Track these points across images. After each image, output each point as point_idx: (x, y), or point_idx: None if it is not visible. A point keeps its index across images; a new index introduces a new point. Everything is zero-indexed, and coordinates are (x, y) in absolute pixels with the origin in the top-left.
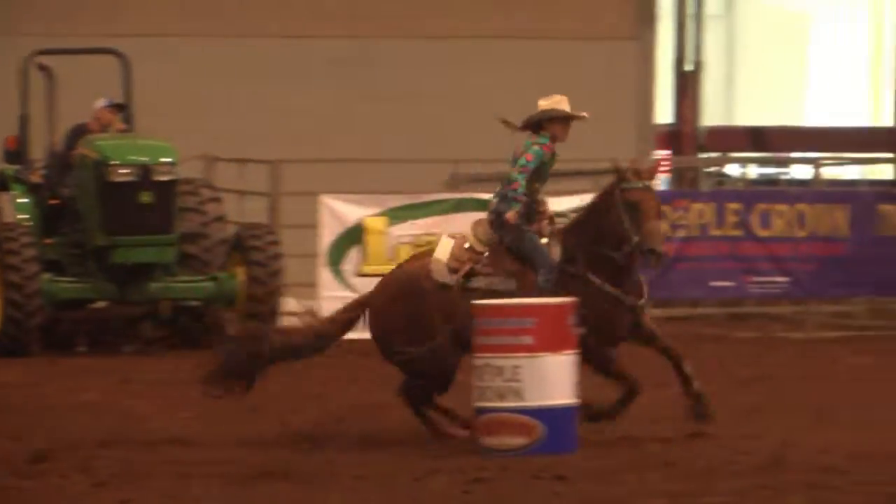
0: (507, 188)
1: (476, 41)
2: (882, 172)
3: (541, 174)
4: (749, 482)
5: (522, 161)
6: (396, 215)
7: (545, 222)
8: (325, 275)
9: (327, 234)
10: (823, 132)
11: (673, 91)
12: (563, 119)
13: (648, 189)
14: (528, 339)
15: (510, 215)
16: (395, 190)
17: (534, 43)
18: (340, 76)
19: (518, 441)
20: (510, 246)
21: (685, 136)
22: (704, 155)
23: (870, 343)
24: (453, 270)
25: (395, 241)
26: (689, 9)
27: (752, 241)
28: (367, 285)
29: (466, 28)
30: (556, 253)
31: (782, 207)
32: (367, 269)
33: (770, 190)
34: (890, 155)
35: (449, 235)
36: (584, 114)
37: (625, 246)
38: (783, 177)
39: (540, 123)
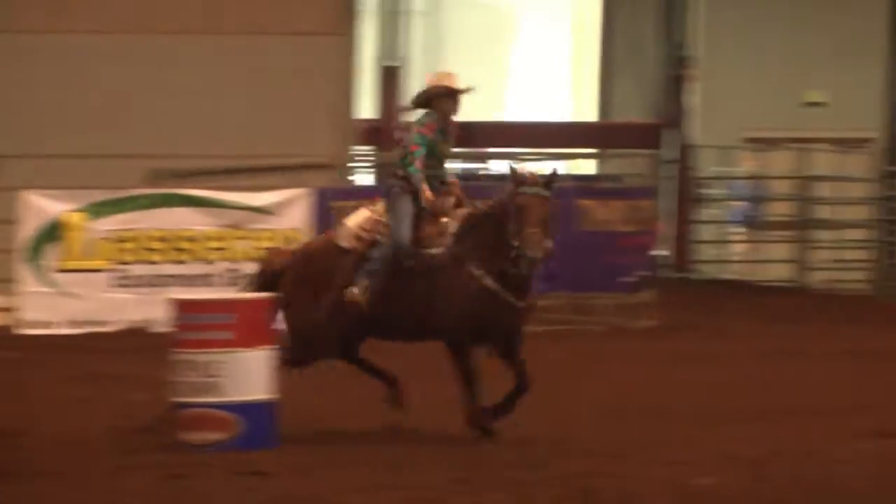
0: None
1: (178, 37)
2: (583, 167)
3: (434, 151)
4: (446, 476)
5: (410, 152)
6: (97, 210)
7: (451, 199)
8: (24, 270)
9: (27, 230)
10: (525, 127)
11: (377, 87)
12: (449, 94)
13: (537, 195)
14: (227, 335)
15: (427, 196)
16: (97, 185)
17: (237, 38)
18: (48, 72)
19: (217, 436)
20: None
21: (387, 131)
22: None
23: (568, 338)
24: (358, 238)
25: (95, 236)
26: (394, 5)
27: None
28: (69, 281)
29: (169, 23)
30: (448, 238)
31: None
32: (67, 264)
33: (472, 185)
34: (591, 150)
35: (368, 207)
36: (469, 87)
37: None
38: (485, 172)
39: (429, 101)
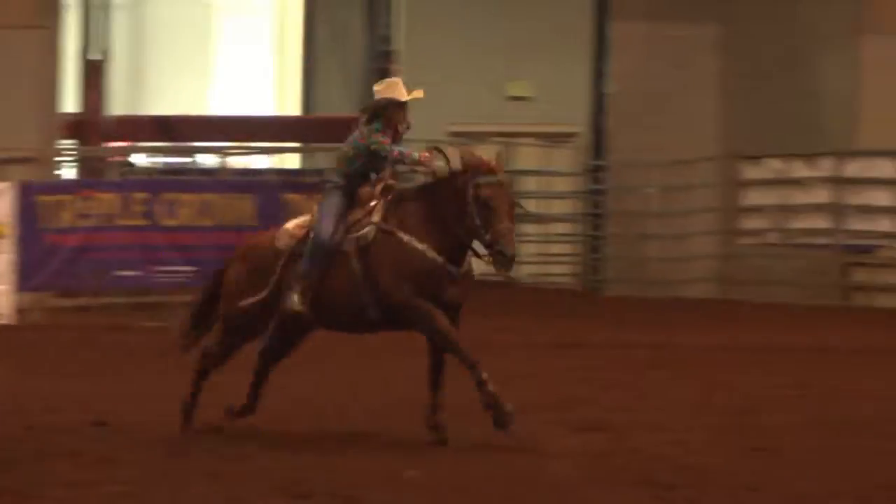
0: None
1: None
2: (288, 161)
3: (375, 161)
4: (145, 471)
5: (381, 147)
6: None
7: (379, 186)
8: None
9: None
10: (230, 122)
11: (79, 80)
12: (397, 105)
13: (502, 185)
14: None
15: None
16: None
17: None
18: None
19: None
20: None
21: (91, 125)
22: (111, 144)
23: None
24: (292, 237)
25: None
26: None
27: (157, 231)
28: None
29: None
30: (378, 213)
31: (189, 197)
32: None
33: (176, 179)
34: (295, 144)
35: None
36: (418, 94)
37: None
38: (191, 167)
39: (377, 111)
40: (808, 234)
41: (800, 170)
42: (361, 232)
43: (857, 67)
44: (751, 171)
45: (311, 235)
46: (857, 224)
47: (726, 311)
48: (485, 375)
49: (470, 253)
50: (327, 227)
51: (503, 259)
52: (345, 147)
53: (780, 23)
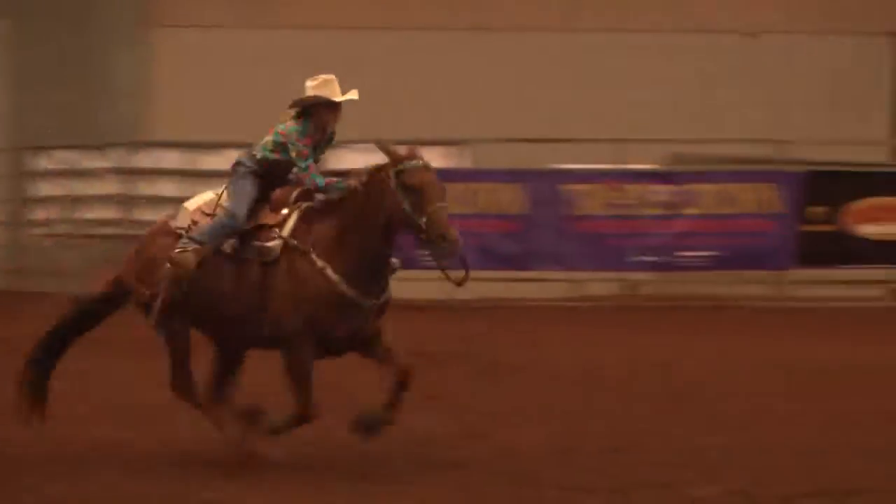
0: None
1: None
2: None
3: (289, 165)
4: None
5: (302, 157)
6: None
7: (293, 193)
8: None
9: None
10: None
11: None
12: (329, 104)
13: (429, 168)
14: None
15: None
16: None
17: None
18: None
19: None
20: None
21: None
22: None
23: None
24: (195, 222)
25: None
26: None
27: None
28: None
29: None
30: (289, 227)
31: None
32: None
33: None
34: None
35: (212, 191)
36: (353, 96)
37: (397, 234)
38: None
39: (307, 109)
40: (98, 225)
41: (90, 161)
42: (267, 244)
43: (147, 61)
44: (40, 163)
45: (219, 214)
46: (146, 214)
47: (16, 303)
48: (288, 431)
49: (389, 277)
50: (241, 210)
51: (446, 243)
52: (267, 136)
53: (72, 18)
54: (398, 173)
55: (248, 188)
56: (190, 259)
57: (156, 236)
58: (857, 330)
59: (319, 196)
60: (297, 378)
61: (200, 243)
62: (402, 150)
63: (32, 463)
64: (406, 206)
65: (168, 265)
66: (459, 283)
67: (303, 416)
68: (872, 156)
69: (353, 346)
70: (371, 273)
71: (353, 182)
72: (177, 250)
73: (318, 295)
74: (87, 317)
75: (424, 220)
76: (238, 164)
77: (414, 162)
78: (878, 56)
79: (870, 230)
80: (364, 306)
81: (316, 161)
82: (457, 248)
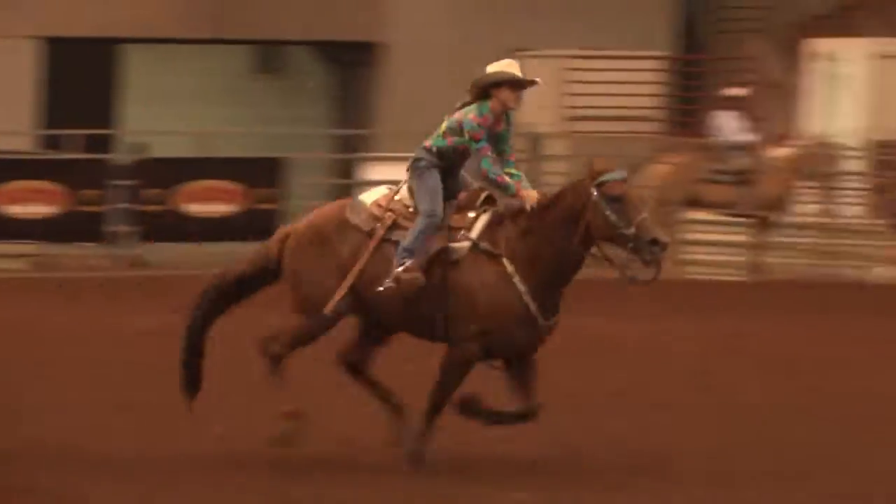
0: (447, 154)
1: None
2: None
3: (462, 153)
4: None
5: (474, 141)
6: None
7: (482, 195)
8: None
9: None
10: None
11: None
12: (512, 84)
13: (626, 179)
14: None
15: (525, 196)
16: None
17: None
18: None
19: None
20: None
21: None
22: None
23: None
24: (375, 217)
25: None
26: None
27: None
28: None
29: None
30: (477, 229)
31: None
32: None
33: None
34: None
35: (386, 187)
36: (537, 80)
37: (609, 243)
38: None
39: (486, 90)
40: None
41: None
42: (453, 244)
43: None
44: None
45: (419, 216)
46: None
47: None
48: (429, 432)
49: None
50: (436, 207)
51: (656, 248)
52: (441, 128)
53: None
54: (599, 185)
55: (434, 182)
56: (419, 280)
57: (331, 227)
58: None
59: (508, 201)
60: (447, 376)
61: (412, 252)
62: (598, 163)
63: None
64: (612, 217)
65: (393, 283)
66: (649, 282)
67: (431, 420)
68: (19, 144)
69: (512, 355)
70: (553, 289)
71: (525, 194)
72: (400, 269)
73: (502, 302)
74: (229, 294)
75: (632, 230)
76: (416, 160)
77: (614, 174)
78: (24, 58)
79: (17, 210)
80: (540, 323)
81: (500, 152)
82: (665, 251)
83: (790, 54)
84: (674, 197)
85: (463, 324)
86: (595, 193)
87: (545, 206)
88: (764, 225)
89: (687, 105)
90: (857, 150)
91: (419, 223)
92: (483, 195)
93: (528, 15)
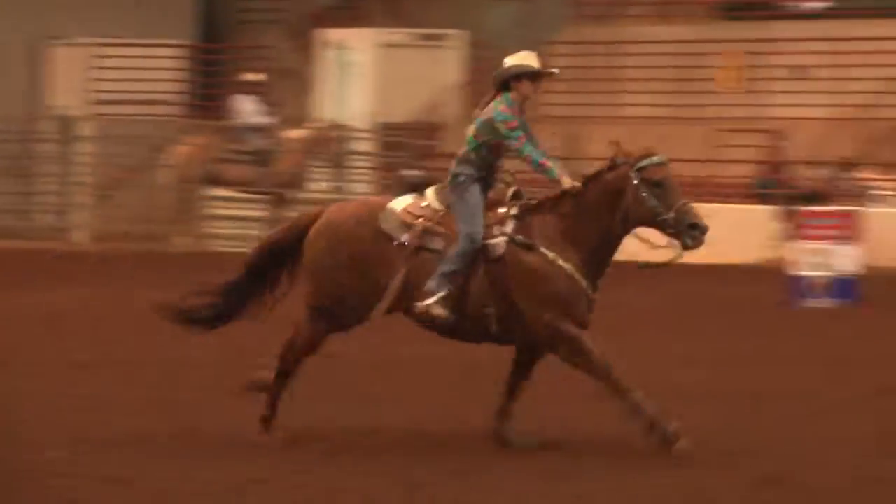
0: (483, 155)
1: None
2: None
3: (499, 149)
4: None
5: (509, 130)
6: None
7: (510, 191)
8: None
9: None
10: None
11: None
12: (532, 76)
13: (666, 164)
14: None
15: (566, 182)
16: None
17: None
18: None
19: None
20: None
21: None
22: None
23: None
24: (406, 225)
25: None
26: None
27: None
28: None
29: None
30: (510, 224)
31: None
32: None
33: None
34: None
35: (411, 195)
36: (555, 70)
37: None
38: None
39: (506, 82)
40: None
41: None
42: (490, 241)
43: None
44: None
45: (461, 236)
46: None
47: None
48: (638, 398)
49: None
50: (477, 228)
51: (695, 232)
52: (468, 130)
53: None
54: (640, 170)
55: (476, 199)
56: (444, 315)
57: (356, 231)
58: None
59: (532, 194)
60: (588, 364)
61: (453, 279)
62: (638, 149)
63: None
64: (652, 202)
65: (424, 313)
66: (669, 263)
67: (625, 393)
68: None
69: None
70: (595, 268)
71: (567, 179)
72: (430, 302)
73: (560, 286)
74: (267, 261)
75: (672, 214)
76: (455, 175)
77: (655, 158)
78: None
79: None
80: (591, 298)
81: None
82: (706, 234)
83: (304, 43)
84: (194, 175)
85: (537, 318)
86: (635, 178)
87: (582, 191)
88: (280, 201)
89: (207, 90)
90: (366, 133)
91: (461, 245)
92: (511, 190)
93: (56, 7)
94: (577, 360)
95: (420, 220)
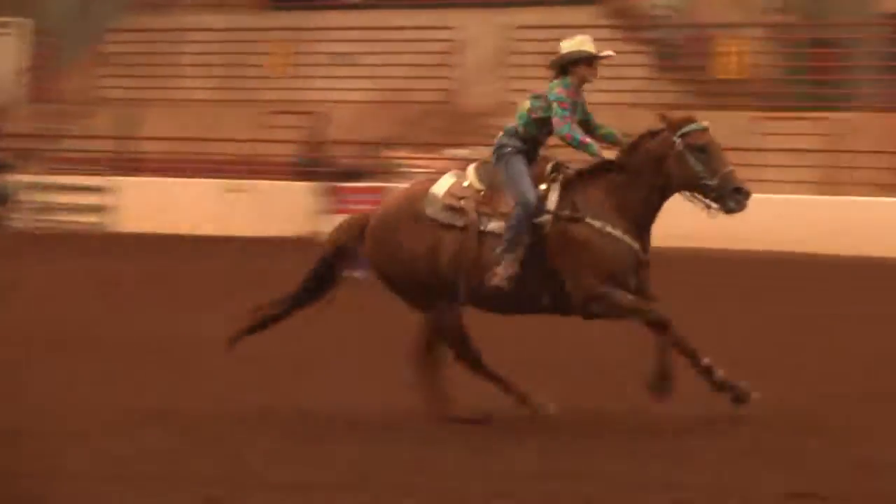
0: (531, 130)
1: None
2: None
3: (547, 125)
4: None
5: (558, 98)
6: None
7: (548, 165)
8: None
9: None
10: None
11: None
12: (589, 59)
13: (708, 130)
14: None
15: (607, 154)
16: None
17: None
18: None
19: None
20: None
21: None
22: None
23: None
24: (450, 208)
25: None
26: None
27: None
28: None
29: None
30: (553, 200)
31: None
32: None
33: None
34: None
35: (454, 172)
36: (610, 52)
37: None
38: None
39: (565, 67)
40: None
41: None
42: (537, 219)
43: None
44: None
45: (515, 205)
46: None
47: None
48: (694, 348)
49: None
50: (529, 193)
51: (740, 196)
52: (522, 108)
53: None
54: (684, 135)
55: (522, 167)
56: (507, 284)
57: (401, 223)
58: None
59: (572, 166)
60: (625, 312)
61: (514, 247)
62: (679, 115)
63: None
64: (697, 167)
65: (503, 283)
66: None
67: (660, 324)
68: None
69: (633, 291)
70: (642, 230)
71: (608, 153)
72: (496, 272)
73: (611, 254)
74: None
75: (716, 179)
76: (500, 147)
77: (697, 124)
78: None
79: None
80: (644, 259)
81: (585, 120)
82: (749, 197)
83: None
84: None
85: (580, 286)
86: (679, 144)
87: (624, 160)
88: None
89: None
90: None
91: (516, 213)
92: (550, 164)
93: None
94: (612, 312)
95: (464, 201)
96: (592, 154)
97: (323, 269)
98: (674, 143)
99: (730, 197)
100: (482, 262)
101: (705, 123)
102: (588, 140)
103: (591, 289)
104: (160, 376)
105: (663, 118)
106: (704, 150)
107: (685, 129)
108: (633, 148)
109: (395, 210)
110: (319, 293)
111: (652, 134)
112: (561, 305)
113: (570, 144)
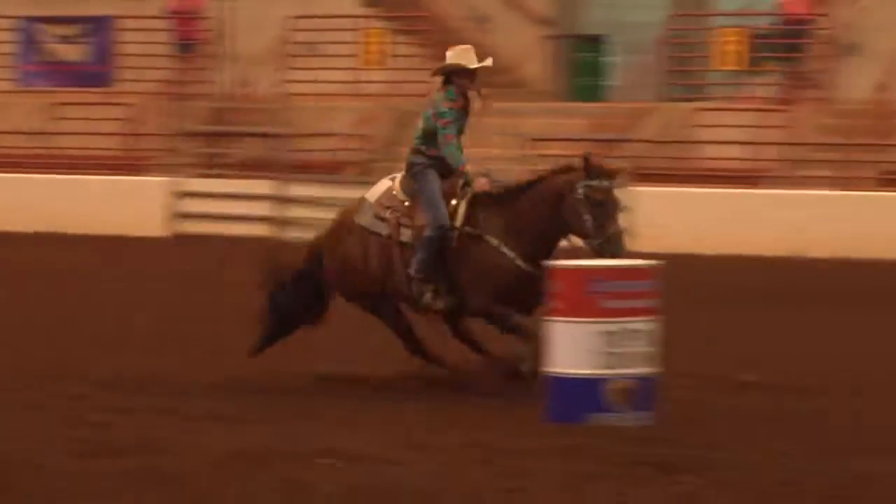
0: (430, 145)
1: None
2: None
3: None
4: None
5: (441, 128)
6: None
7: (459, 181)
8: None
9: None
10: None
11: None
12: (465, 71)
13: (612, 189)
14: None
15: (480, 182)
16: None
17: None
18: None
19: None
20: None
21: None
22: None
23: None
24: (377, 217)
25: None
26: None
27: None
28: None
29: None
30: (461, 215)
31: None
32: None
33: None
34: None
35: (389, 177)
36: (487, 62)
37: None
38: None
39: (448, 77)
40: None
41: None
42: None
43: None
44: None
45: (427, 227)
46: None
47: None
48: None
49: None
50: (441, 217)
51: (615, 256)
52: (420, 123)
53: None
54: (588, 186)
55: (433, 185)
56: (437, 302)
57: (342, 233)
58: None
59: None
60: (494, 318)
61: (424, 262)
62: (603, 163)
63: None
64: (587, 220)
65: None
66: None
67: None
68: None
69: (524, 309)
70: (539, 253)
71: (481, 181)
72: (426, 302)
73: (503, 273)
74: (293, 294)
75: (600, 241)
76: (411, 165)
77: (605, 182)
78: None
79: None
80: (537, 276)
81: (460, 132)
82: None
83: None
84: None
85: (475, 300)
86: (580, 192)
87: (530, 187)
88: None
89: None
90: None
91: (428, 233)
92: (461, 181)
93: None
94: (500, 328)
95: (390, 211)
96: (467, 182)
97: (309, 287)
98: (575, 188)
99: (606, 255)
100: (403, 271)
101: (614, 182)
102: (465, 168)
103: (485, 307)
104: None
105: (585, 160)
106: (601, 205)
107: (591, 182)
108: (542, 179)
109: (341, 222)
110: (319, 308)
111: (565, 170)
112: (455, 310)
113: (450, 164)
